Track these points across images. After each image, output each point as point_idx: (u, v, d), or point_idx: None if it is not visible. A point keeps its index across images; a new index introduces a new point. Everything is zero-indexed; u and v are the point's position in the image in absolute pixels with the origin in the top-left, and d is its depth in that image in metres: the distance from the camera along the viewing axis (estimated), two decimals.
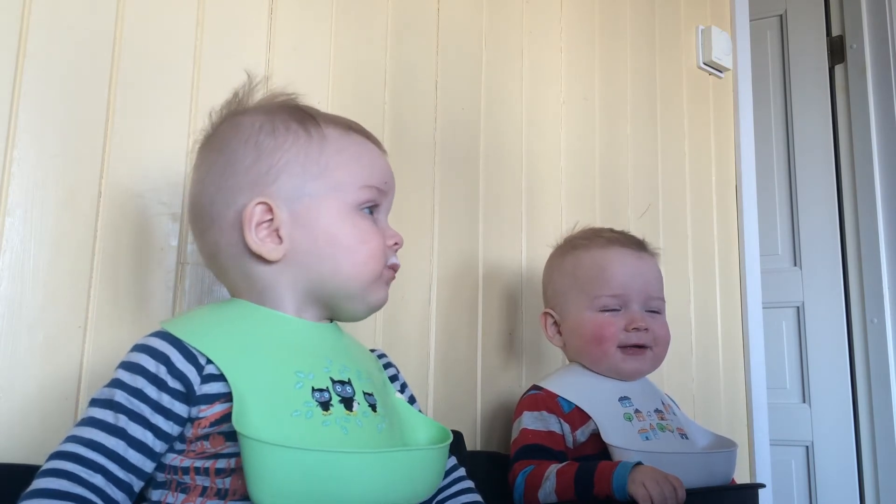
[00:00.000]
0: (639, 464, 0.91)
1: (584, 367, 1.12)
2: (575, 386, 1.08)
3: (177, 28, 0.98)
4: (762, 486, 1.09)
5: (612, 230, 1.17)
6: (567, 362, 1.19)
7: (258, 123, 0.74)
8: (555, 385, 1.09)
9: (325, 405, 0.65)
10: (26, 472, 0.61)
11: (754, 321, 1.86)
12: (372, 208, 0.76)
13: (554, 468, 0.97)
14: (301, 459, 0.60)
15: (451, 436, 0.73)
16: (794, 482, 2.27)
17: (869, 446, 2.19)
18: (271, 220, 0.71)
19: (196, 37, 0.99)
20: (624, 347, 1.08)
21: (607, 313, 1.09)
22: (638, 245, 1.14)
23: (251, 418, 0.61)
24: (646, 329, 1.09)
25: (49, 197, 0.85)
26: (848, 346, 2.25)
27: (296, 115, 0.75)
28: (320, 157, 0.73)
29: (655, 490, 0.87)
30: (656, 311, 1.12)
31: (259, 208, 0.71)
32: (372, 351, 0.83)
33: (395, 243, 0.77)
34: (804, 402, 2.30)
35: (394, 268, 0.77)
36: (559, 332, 1.15)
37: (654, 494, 0.87)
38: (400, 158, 1.19)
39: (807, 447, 2.27)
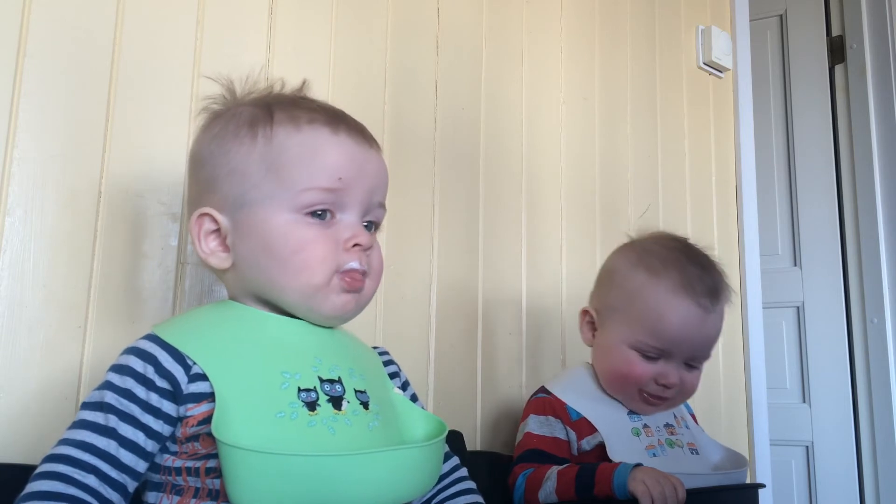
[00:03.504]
0: (639, 464, 0.91)
1: (595, 375, 1.10)
2: (584, 396, 1.07)
3: (177, 28, 0.98)
4: (762, 486, 1.08)
5: (698, 261, 1.05)
6: (568, 363, 1.18)
7: (216, 129, 0.73)
8: (564, 392, 1.07)
9: (312, 405, 0.65)
10: (26, 472, 0.61)
11: (754, 321, 1.86)
12: (326, 210, 0.70)
13: (555, 469, 0.97)
14: (279, 463, 0.59)
15: (446, 429, 0.72)
16: (794, 482, 2.27)
17: (869, 446, 2.18)
18: (218, 229, 0.71)
19: (196, 37, 0.99)
20: (645, 393, 1.04)
21: (643, 356, 1.03)
22: (711, 299, 1.02)
23: (233, 421, 0.61)
24: (675, 385, 1.03)
25: (49, 197, 0.85)
26: (848, 346, 2.25)
27: (253, 115, 0.72)
28: (262, 162, 0.69)
29: (656, 488, 0.87)
30: (695, 366, 1.06)
31: (203, 219, 0.71)
32: (374, 348, 0.82)
33: (356, 244, 0.70)
34: (804, 402, 2.30)
35: (351, 273, 0.70)
36: (593, 334, 1.11)
37: (654, 492, 0.86)
38: (400, 158, 1.19)
39: (807, 447, 2.27)
